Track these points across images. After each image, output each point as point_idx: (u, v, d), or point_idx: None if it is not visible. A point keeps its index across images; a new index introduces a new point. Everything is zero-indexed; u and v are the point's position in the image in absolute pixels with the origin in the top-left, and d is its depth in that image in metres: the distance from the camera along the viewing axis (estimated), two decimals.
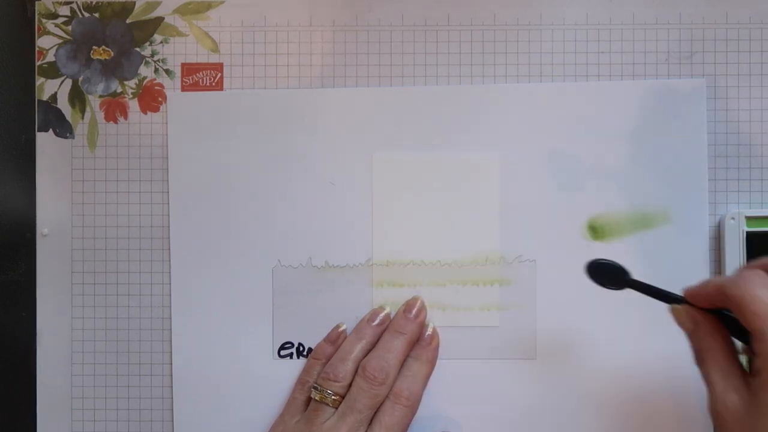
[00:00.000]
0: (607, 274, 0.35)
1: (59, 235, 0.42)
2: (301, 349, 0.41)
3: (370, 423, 0.37)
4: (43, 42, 0.42)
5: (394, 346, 0.38)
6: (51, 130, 0.42)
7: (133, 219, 0.42)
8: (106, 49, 0.42)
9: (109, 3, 0.42)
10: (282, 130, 0.41)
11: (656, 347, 0.40)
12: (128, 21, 0.42)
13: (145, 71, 0.42)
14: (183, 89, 0.42)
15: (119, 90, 0.42)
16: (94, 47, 0.42)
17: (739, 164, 0.41)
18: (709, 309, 0.32)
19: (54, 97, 0.42)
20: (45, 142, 0.42)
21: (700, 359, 0.32)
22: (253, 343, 0.41)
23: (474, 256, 0.41)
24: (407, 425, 0.37)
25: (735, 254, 0.39)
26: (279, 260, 0.41)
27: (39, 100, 0.42)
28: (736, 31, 0.41)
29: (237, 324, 0.41)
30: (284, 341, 0.41)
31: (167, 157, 0.41)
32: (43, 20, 0.42)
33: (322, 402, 0.37)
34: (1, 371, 0.41)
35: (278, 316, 0.41)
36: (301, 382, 0.39)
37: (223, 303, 0.41)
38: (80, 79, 0.42)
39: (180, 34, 0.42)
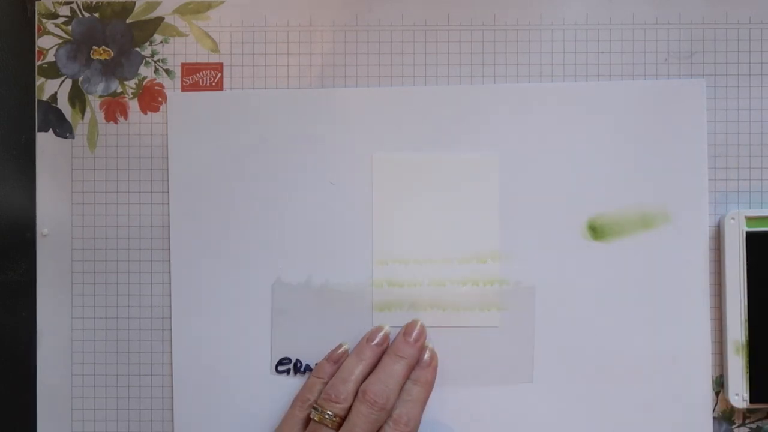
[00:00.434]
0: None
1: (59, 235, 0.42)
2: (299, 365, 0.41)
3: None
4: (43, 42, 0.42)
5: (394, 371, 0.38)
6: (51, 130, 0.42)
7: (133, 219, 0.42)
8: (106, 49, 0.42)
9: (109, 3, 0.42)
10: (282, 130, 0.41)
11: (657, 347, 0.40)
12: (128, 21, 0.42)
13: (145, 71, 0.42)
14: (183, 89, 0.42)
15: (119, 90, 0.42)
16: (94, 47, 0.42)
17: (739, 164, 0.41)
18: None
19: (54, 97, 0.42)
20: (45, 142, 0.42)
21: None
22: (252, 346, 0.41)
23: (474, 256, 0.41)
24: None
25: (735, 254, 0.39)
26: (279, 260, 0.41)
27: (39, 100, 0.42)
28: (736, 31, 0.41)
29: (237, 324, 0.41)
30: (282, 357, 0.41)
31: (167, 157, 0.41)
32: (43, 20, 0.42)
33: (321, 423, 0.37)
34: (1, 371, 0.41)
35: (276, 325, 0.41)
36: (301, 399, 0.39)
37: (223, 302, 0.41)
38: (80, 79, 0.42)
39: (180, 34, 0.42)
